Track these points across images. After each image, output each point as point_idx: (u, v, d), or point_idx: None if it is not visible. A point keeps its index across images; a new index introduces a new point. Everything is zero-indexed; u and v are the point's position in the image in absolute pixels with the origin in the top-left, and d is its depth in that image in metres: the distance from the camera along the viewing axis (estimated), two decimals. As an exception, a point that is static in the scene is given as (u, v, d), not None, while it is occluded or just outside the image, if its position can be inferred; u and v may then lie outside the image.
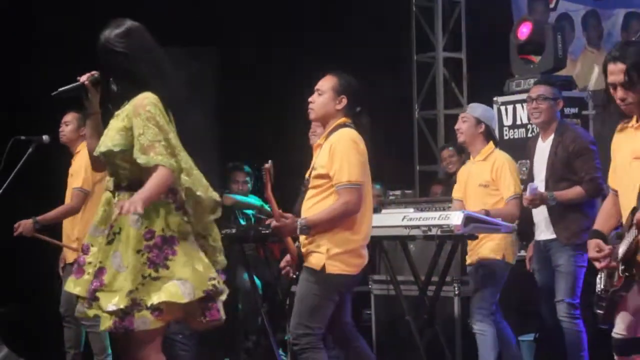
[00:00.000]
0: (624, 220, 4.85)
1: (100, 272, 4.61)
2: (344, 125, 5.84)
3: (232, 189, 8.94)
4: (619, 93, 4.74)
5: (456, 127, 7.23)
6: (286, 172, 8.11)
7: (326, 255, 5.70)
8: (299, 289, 5.82)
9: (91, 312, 4.66)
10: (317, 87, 5.94)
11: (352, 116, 5.89)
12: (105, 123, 4.77)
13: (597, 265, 4.83)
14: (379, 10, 10.79)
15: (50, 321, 7.87)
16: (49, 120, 7.56)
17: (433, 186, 10.06)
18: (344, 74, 5.93)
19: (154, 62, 4.72)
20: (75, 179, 7.44)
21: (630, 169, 4.79)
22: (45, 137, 7.48)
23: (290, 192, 7.44)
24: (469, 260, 7.15)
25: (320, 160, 5.82)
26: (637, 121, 4.81)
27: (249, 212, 8.88)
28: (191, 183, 4.67)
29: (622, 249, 4.73)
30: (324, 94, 5.88)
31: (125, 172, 4.68)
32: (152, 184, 4.52)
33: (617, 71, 4.74)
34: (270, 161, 5.93)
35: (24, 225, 7.32)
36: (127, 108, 4.67)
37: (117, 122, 4.68)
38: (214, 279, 4.65)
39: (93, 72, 4.77)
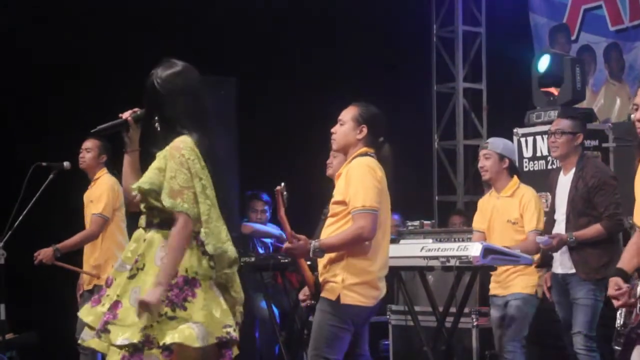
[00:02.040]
0: None
1: (115, 305, 4.60)
2: (364, 154, 5.84)
3: (251, 217, 8.98)
4: (639, 114, 4.75)
5: (480, 165, 7.21)
6: (303, 201, 8.18)
7: (341, 285, 5.67)
8: (315, 319, 5.80)
9: (94, 343, 4.66)
10: (339, 117, 5.94)
11: (373, 146, 5.88)
12: (142, 161, 4.79)
13: (616, 303, 4.83)
14: (400, 41, 10.83)
15: (67, 347, 7.89)
16: (66, 146, 7.61)
17: (452, 217, 10.07)
18: (366, 104, 5.93)
19: (199, 107, 4.72)
20: (95, 205, 7.49)
21: None
22: (66, 164, 7.52)
23: (308, 221, 7.49)
24: (495, 292, 7.16)
25: (338, 188, 5.83)
26: None
27: (268, 240, 8.90)
28: (204, 235, 4.61)
29: None
30: (345, 124, 5.88)
31: (157, 211, 4.66)
32: (171, 247, 4.53)
33: None
34: (282, 183, 5.92)
35: (44, 254, 7.35)
36: (166, 149, 4.66)
37: (156, 162, 4.68)
38: (230, 326, 4.61)
39: (135, 109, 4.77)
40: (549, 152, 7.67)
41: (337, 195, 5.82)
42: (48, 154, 7.50)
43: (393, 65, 10.72)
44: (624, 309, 4.87)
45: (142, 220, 4.74)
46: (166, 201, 4.55)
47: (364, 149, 5.85)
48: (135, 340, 4.50)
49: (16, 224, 7.11)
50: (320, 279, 5.81)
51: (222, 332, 4.57)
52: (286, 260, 7.48)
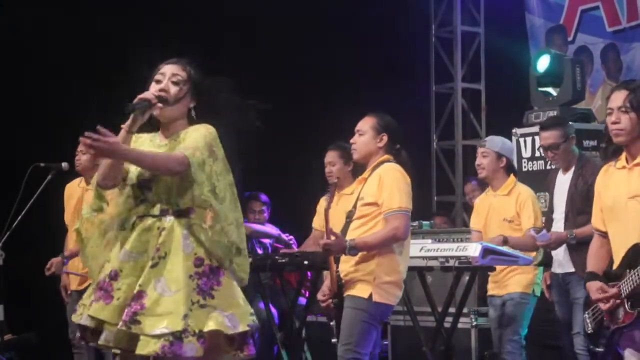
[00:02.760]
0: (617, 258, 4.90)
1: (139, 296, 4.53)
2: (387, 161, 6.07)
3: (249, 218, 8.93)
4: (613, 117, 4.81)
5: (477, 162, 7.21)
6: (300, 204, 8.16)
7: (373, 284, 5.87)
8: (345, 316, 5.93)
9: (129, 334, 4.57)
10: (357, 128, 6.16)
11: (392, 153, 6.11)
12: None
13: (603, 306, 4.86)
14: (399, 41, 10.80)
15: (65, 348, 7.87)
16: (66, 148, 7.58)
17: (435, 217, 10.02)
18: (381, 114, 6.16)
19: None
20: None
21: (627, 208, 4.83)
22: (64, 165, 7.49)
23: (304, 223, 7.49)
24: (493, 292, 7.14)
25: (368, 190, 6.01)
26: (627, 162, 4.88)
27: (266, 241, 8.86)
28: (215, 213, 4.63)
29: (628, 287, 4.78)
30: (365, 134, 6.11)
31: (174, 199, 4.65)
32: (166, 156, 4.58)
33: (617, 97, 4.83)
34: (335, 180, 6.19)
35: (56, 265, 7.40)
36: (186, 131, 4.71)
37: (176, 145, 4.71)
38: (253, 314, 4.68)
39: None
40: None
41: (367, 197, 6.01)
42: (47, 155, 7.46)
43: (392, 66, 10.69)
44: (592, 312, 4.96)
45: (156, 209, 4.68)
46: (193, 165, 4.54)
47: (386, 157, 6.10)
48: (178, 328, 4.49)
49: (14, 224, 7.06)
50: (347, 278, 5.97)
51: (249, 319, 4.63)
52: (284, 261, 7.49)
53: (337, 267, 6.03)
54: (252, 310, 4.67)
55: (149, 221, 4.67)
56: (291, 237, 8.68)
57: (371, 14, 10.61)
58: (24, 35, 9.05)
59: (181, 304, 4.51)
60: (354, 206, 6.08)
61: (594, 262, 5.04)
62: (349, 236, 5.98)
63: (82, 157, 7.62)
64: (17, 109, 9.22)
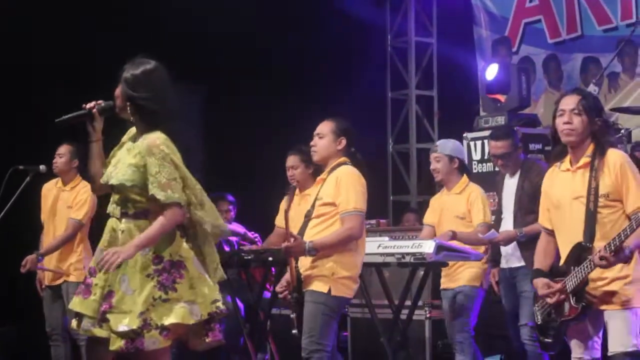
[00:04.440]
0: (562, 254, 4.95)
1: (109, 295, 4.63)
2: (344, 163, 6.09)
3: (217, 217, 8.88)
4: (565, 117, 4.85)
5: (432, 168, 7.20)
6: (266, 205, 8.13)
7: (332, 278, 5.89)
8: (307, 310, 5.94)
9: (98, 332, 4.65)
10: (317, 131, 6.17)
11: (348, 156, 6.13)
12: (107, 150, 4.82)
13: (549, 300, 4.92)
14: (357, 51, 10.81)
15: (43, 340, 7.80)
16: (47, 149, 7.53)
17: (406, 214, 10.05)
18: (338, 118, 6.17)
19: (169, 103, 4.76)
20: (75, 211, 7.55)
21: (571, 208, 4.88)
22: (42, 167, 7.46)
23: (270, 221, 7.46)
24: (445, 285, 7.14)
25: (326, 191, 6.03)
26: (571, 164, 4.93)
27: (233, 238, 8.82)
28: (201, 217, 4.70)
29: (572, 283, 4.83)
30: (325, 137, 6.12)
31: (134, 203, 4.70)
32: (156, 227, 4.59)
33: (570, 100, 4.88)
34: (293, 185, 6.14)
35: (31, 261, 7.34)
36: (139, 145, 4.69)
37: (129, 157, 4.71)
38: (218, 301, 4.71)
39: (99, 101, 4.78)
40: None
41: (325, 197, 6.02)
42: (26, 157, 7.40)
43: (350, 74, 10.69)
44: (540, 305, 5.01)
45: (117, 211, 4.74)
46: (159, 195, 4.58)
47: (343, 159, 6.11)
48: (134, 326, 4.55)
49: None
50: (307, 273, 5.98)
51: (212, 307, 4.67)
52: (249, 257, 7.46)
53: (297, 263, 6.04)
54: (217, 297, 4.69)
55: (113, 222, 4.76)
56: (256, 234, 8.65)
57: (332, 26, 10.59)
58: (6, 34, 8.96)
59: (139, 303, 4.57)
60: (312, 206, 6.10)
61: (541, 259, 5.08)
62: (307, 235, 6.02)
63: (59, 160, 7.61)
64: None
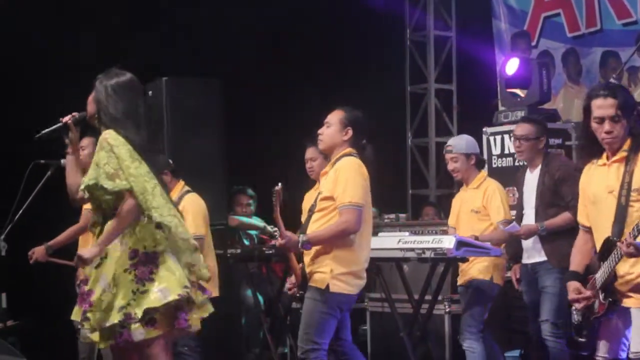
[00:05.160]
0: (598, 250, 4.85)
1: (88, 294, 4.76)
2: (349, 154, 5.92)
3: (237, 211, 8.87)
4: (607, 126, 4.73)
5: (450, 168, 7.17)
6: (286, 198, 8.08)
7: (330, 275, 5.76)
8: (305, 307, 5.85)
9: (95, 337, 4.80)
10: (326, 120, 6.03)
11: (357, 147, 5.96)
12: None
13: (577, 306, 4.87)
14: (377, 45, 10.76)
15: (65, 333, 7.79)
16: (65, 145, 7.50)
17: (425, 207, 10.00)
18: (350, 108, 6.02)
19: (137, 111, 4.89)
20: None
21: (606, 203, 4.79)
22: (63, 161, 7.36)
23: (290, 217, 7.40)
24: (460, 281, 7.09)
25: (326, 184, 5.90)
26: (607, 159, 4.83)
27: (253, 232, 8.80)
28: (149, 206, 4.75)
29: (601, 278, 4.76)
30: (332, 126, 5.97)
31: (102, 209, 4.84)
32: (114, 223, 4.75)
33: (607, 105, 4.74)
34: (280, 184, 5.99)
35: (38, 252, 7.29)
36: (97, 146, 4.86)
37: (93, 159, 4.85)
38: (188, 287, 4.76)
39: (74, 114, 4.98)
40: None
41: (324, 191, 5.89)
42: (47, 152, 7.37)
43: (370, 68, 10.64)
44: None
45: (98, 217, 4.89)
46: (107, 184, 4.72)
47: (349, 150, 5.94)
48: (116, 321, 4.66)
49: (16, 217, 6.99)
50: (308, 270, 5.87)
51: (182, 290, 4.72)
52: (270, 252, 7.47)
53: (302, 261, 5.98)
54: (187, 284, 4.76)
55: (96, 228, 4.88)
56: (276, 228, 8.60)
57: (351, 21, 10.55)
58: (28, 27, 8.95)
59: (118, 299, 4.69)
60: (315, 200, 6.00)
61: (577, 260, 4.99)
62: (310, 229, 5.92)
63: (82, 153, 7.51)
64: (18, 107, 9.11)
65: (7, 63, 8.83)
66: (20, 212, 7.03)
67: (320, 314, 5.76)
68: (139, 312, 4.65)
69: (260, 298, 8.19)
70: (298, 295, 6.01)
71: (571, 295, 4.86)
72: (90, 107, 4.94)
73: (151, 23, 9.53)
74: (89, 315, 4.71)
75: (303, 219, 7.67)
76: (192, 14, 9.76)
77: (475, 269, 6.93)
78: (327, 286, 5.74)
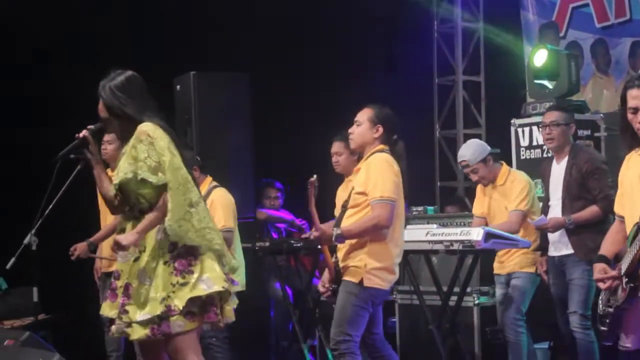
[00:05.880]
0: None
1: (126, 288, 4.77)
2: (380, 151, 6.00)
3: (265, 204, 8.90)
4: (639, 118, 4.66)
5: (475, 179, 7.26)
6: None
7: (364, 269, 5.83)
8: (339, 300, 5.91)
9: (131, 331, 4.78)
10: (355, 118, 6.10)
11: (388, 144, 6.04)
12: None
13: (602, 285, 4.81)
14: (404, 38, 10.74)
15: (94, 326, 7.84)
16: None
17: (447, 207, 9.95)
18: (379, 106, 6.08)
19: (150, 104, 4.91)
20: None
21: (637, 190, 4.74)
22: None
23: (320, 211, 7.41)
24: (499, 271, 7.14)
25: (359, 180, 5.97)
26: None
27: (281, 225, 8.82)
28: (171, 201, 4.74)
29: (625, 263, 4.71)
30: (362, 125, 6.05)
31: (138, 203, 4.83)
32: (152, 215, 4.76)
33: None
34: (315, 175, 6.02)
35: (80, 249, 7.36)
36: (131, 141, 4.83)
37: (124, 157, 4.85)
38: (226, 281, 4.82)
39: (89, 126, 4.98)
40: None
41: (357, 187, 5.97)
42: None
43: (397, 60, 10.63)
44: (605, 293, 4.85)
45: (134, 211, 4.87)
46: (151, 178, 4.71)
47: (380, 147, 6.02)
48: (158, 312, 4.68)
49: (47, 212, 7.03)
50: (342, 264, 5.95)
51: (224, 282, 4.77)
52: (299, 245, 7.49)
53: (335, 256, 6.04)
54: (224, 277, 4.79)
55: (130, 222, 4.87)
56: (304, 222, 8.63)
57: (377, 13, 10.55)
58: (53, 23, 9.00)
59: (159, 290, 4.69)
60: (349, 195, 6.06)
61: (607, 245, 4.94)
62: (343, 224, 5.97)
63: (109, 147, 7.61)
64: (48, 103, 9.18)
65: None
66: (50, 206, 7.07)
67: (353, 307, 5.83)
68: (179, 304, 4.67)
69: (289, 291, 8.20)
70: (331, 289, 6.06)
71: (596, 275, 4.80)
72: (103, 113, 4.93)
73: (179, 17, 9.56)
74: (127, 307, 4.73)
75: (336, 213, 7.74)
76: (221, 8, 9.78)
77: (521, 261, 7.01)
78: (361, 280, 5.82)
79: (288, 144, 9.92)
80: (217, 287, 4.74)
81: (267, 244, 7.74)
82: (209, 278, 4.72)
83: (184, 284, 4.70)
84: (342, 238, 5.84)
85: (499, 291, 7.17)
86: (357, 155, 7.51)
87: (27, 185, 8.18)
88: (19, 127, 9.08)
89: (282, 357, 8.25)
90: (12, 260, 6.80)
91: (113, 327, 4.86)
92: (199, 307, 4.75)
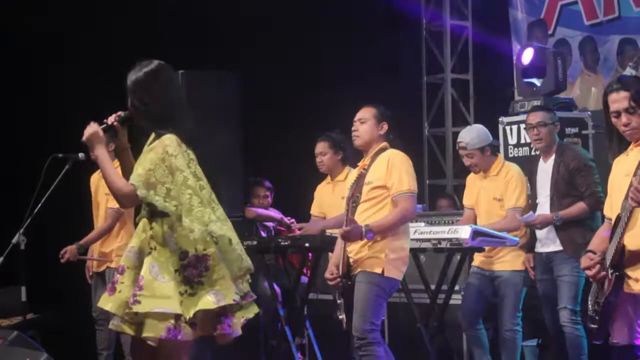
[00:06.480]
0: None
1: (137, 280, 4.66)
2: (385, 148, 6.16)
3: (254, 202, 8.89)
4: (623, 119, 4.75)
5: (467, 164, 7.21)
6: (301, 190, 8.12)
7: (385, 260, 5.98)
8: (359, 291, 6.02)
9: (128, 328, 4.70)
10: (358, 117, 6.21)
11: (388, 141, 6.19)
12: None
13: (588, 273, 4.84)
14: (392, 36, 10.75)
15: (83, 325, 7.86)
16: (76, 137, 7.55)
17: (440, 200, 10.00)
18: (379, 105, 6.22)
19: (175, 102, 4.77)
20: (113, 199, 7.46)
21: (622, 186, 4.77)
22: (80, 155, 7.44)
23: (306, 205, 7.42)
24: (483, 266, 7.05)
25: (376, 174, 6.07)
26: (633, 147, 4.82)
27: (270, 224, 8.82)
28: (189, 223, 4.65)
29: (610, 254, 4.75)
30: (367, 122, 6.17)
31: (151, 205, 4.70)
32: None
33: (620, 99, 4.75)
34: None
35: (70, 252, 7.38)
36: (154, 143, 4.71)
37: (142, 157, 4.74)
38: (238, 293, 4.71)
39: (119, 113, 4.81)
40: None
41: (376, 181, 6.06)
42: (64, 146, 7.42)
43: (385, 59, 10.63)
44: (592, 294, 4.88)
45: (145, 212, 4.77)
46: (140, 189, 4.62)
47: (384, 144, 6.18)
48: (179, 311, 4.59)
49: (35, 211, 7.03)
50: (358, 256, 6.04)
51: (235, 295, 4.67)
52: (287, 243, 7.48)
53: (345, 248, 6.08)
54: (235, 290, 4.68)
55: (144, 223, 4.76)
56: (292, 220, 8.63)
57: (366, 12, 10.54)
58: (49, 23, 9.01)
59: (176, 291, 4.61)
60: (359, 191, 6.11)
61: (596, 242, 4.96)
62: (358, 219, 6.03)
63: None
64: (35, 101, 9.17)
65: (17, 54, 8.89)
66: (39, 206, 7.06)
67: (375, 297, 5.98)
68: (186, 314, 4.59)
69: (277, 289, 8.20)
70: (342, 284, 6.11)
71: (583, 264, 4.84)
72: (132, 106, 4.77)
73: (168, 16, 9.56)
74: (139, 298, 4.59)
75: (314, 210, 7.78)
76: (212, 6, 9.79)
77: (509, 259, 6.97)
78: (383, 271, 5.97)
79: (277, 142, 9.93)
80: (227, 301, 4.65)
81: (255, 242, 7.73)
82: (219, 291, 4.63)
83: (192, 294, 4.62)
84: (371, 233, 5.95)
85: (475, 282, 7.05)
86: (341, 155, 7.59)
87: (15, 185, 8.20)
88: (5, 127, 9.08)
89: (271, 356, 8.24)
90: (0, 259, 6.78)
91: (111, 321, 4.76)
92: (202, 320, 4.66)
